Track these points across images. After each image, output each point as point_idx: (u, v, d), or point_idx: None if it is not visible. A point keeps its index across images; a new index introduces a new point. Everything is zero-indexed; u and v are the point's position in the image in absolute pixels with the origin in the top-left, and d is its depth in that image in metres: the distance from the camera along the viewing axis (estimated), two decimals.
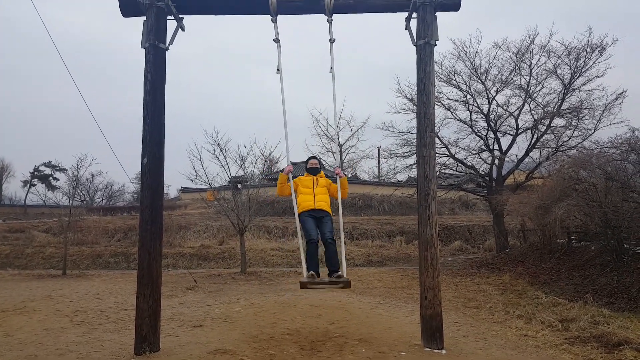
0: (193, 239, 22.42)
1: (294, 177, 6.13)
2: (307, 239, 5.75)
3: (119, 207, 39.41)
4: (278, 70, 6.25)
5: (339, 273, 5.55)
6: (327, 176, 6.35)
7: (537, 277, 12.31)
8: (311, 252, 5.72)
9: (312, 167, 6.28)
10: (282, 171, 6.12)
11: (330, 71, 6.39)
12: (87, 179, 41.61)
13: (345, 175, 6.30)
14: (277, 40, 6.23)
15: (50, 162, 46.68)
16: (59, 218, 18.72)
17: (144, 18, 5.94)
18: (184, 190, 41.13)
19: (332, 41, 6.33)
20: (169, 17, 6.04)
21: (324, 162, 43.26)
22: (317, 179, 6.13)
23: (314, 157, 6.40)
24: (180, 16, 6.10)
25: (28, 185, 45.99)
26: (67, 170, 42.73)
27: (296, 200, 5.97)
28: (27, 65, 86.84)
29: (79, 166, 20.66)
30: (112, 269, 18.37)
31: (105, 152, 45.61)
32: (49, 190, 43.99)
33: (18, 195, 49.87)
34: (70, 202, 19.85)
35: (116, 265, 18.99)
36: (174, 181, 46.73)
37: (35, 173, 46.45)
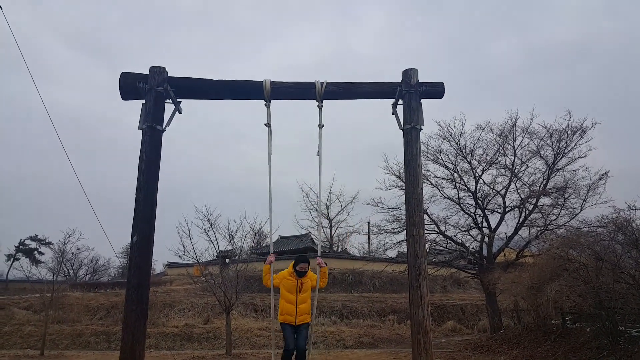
0: (177, 317, 21.56)
1: (279, 271, 6.33)
2: (284, 347, 6.04)
3: (102, 283, 38.21)
4: (270, 151, 6.48)
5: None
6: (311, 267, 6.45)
7: None
8: (286, 358, 6.09)
9: (300, 271, 6.17)
10: (264, 261, 6.31)
11: (318, 154, 6.62)
12: (73, 254, 40.64)
13: (326, 264, 6.42)
14: (268, 125, 6.54)
15: (36, 235, 45.84)
16: (41, 294, 18.06)
17: (143, 101, 6.19)
18: (170, 265, 40.25)
19: (320, 126, 6.66)
20: (167, 100, 6.31)
21: (313, 237, 43.08)
22: (301, 282, 6.12)
23: (304, 261, 6.25)
24: (177, 100, 6.39)
25: (12, 259, 44.74)
26: (53, 244, 41.91)
27: (277, 300, 6.23)
28: (16, 136, 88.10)
29: (66, 241, 20.33)
30: (92, 349, 17.45)
31: (92, 227, 44.84)
32: (33, 264, 42.66)
33: (0, 270, 48.34)
34: (55, 277, 19.26)
35: (96, 345, 18.07)
36: (160, 256, 45.68)
37: (20, 247, 45.40)
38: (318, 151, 6.63)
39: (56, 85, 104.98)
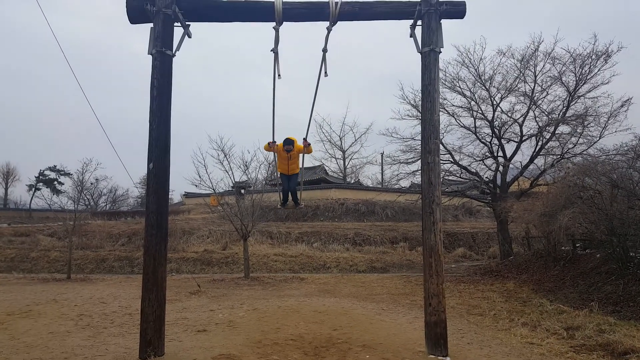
0: (197, 243, 22.45)
1: (276, 143, 8.32)
2: (282, 188, 9.12)
3: (123, 211, 39.56)
4: (279, 76, 6.63)
5: (300, 204, 9.36)
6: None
7: (542, 285, 12.25)
8: (284, 194, 9.10)
9: (287, 150, 8.41)
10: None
11: (325, 75, 6.70)
12: (92, 184, 41.82)
13: (310, 145, 8.39)
14: (275, 51, 6.37)
15: (55, 166, 46.92)
16: (64, 222, 18.78)
17: (151, 25, 5.99)
18: (187, 195, 41.22)
19: (325, 51, 6.51)
20: (175, 24, 6.09)
21: (326, 168, 43.34)
22: (290, 155, 8.47)
23: (289, 143, 8.31)
24: (187, 23, 6.15)
25: (33, 189, 46.20)
26: (72, 174, 43.05)
27: (276, 162, 8.83)
28: (32, 70, 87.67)
29: (84, 170, 20.86)
30: (116, 273, 18.42)
31: (110, 157, 45.83)
32: (53, 194, 44.10)
33: (23, 199, 50.18)
34: (75, 206, 19.94)
35: (120, 269, 19.04)
36: (177, 186, 46.93)
37: (40, 177, 46.65)
38: (325, 74, 6.67)
39: (63, 15, 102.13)
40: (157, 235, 5.74)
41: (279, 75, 6.58)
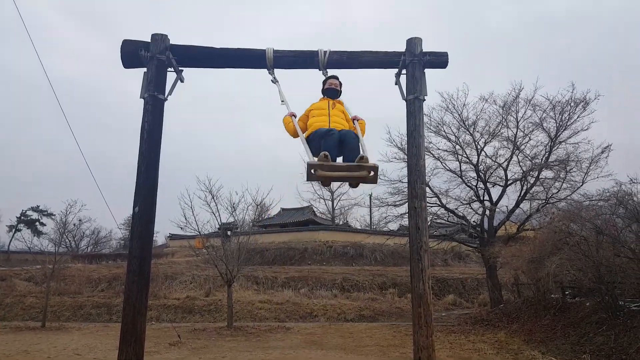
0: (179, 289, 21.76)
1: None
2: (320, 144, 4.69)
3: (104, 254, 38.58)
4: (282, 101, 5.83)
5: (362, 154, 4.33)
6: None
7: (533, 335, 12.01)
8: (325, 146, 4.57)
9: (330, 88, 5.39)
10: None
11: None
12: (75, 225, 40.92)
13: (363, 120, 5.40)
14: (275, 80, 6.12)
15: (38, 206, 45.99)
16: (43, 266, 18.19)
17: (144, 70, 6.04)
18: (172, 237, 40.47)
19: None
20: (169, 69, 6.15)
21: (315, 209, 43.20)
22: (334, 103, 5.25)
23: (334, 77, 5.55)
24: (180, 68, 6.22)
25: (14, 230, 45.00)
26: (55, 215, 42.14)
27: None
28: (19, 109, 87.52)
29: (67, 212, 20.38)
30: (93, 320, 17.66)
31: (94, 197, 44.99)
32: (34, 236, 43.04)
33: (2, 241, 48.71)
34: (56, 248, 19.37)
35: (98, 317, 18.28)
36: (162, 227, 45.97)
37: (22, 218, 45.58)
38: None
39: (53, 54, 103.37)
40: (138, 282, 5.52)
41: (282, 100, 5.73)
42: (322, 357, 9.77)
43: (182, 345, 11.66)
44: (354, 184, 4.95)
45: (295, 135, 5.19)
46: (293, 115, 5.32)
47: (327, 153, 4.22)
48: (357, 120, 5.32)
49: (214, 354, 10.19)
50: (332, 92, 5.54)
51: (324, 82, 5.63)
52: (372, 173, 4.25)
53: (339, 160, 4.75)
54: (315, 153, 4.59)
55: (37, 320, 16.52)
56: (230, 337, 13.48)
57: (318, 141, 4.75)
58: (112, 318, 17.78)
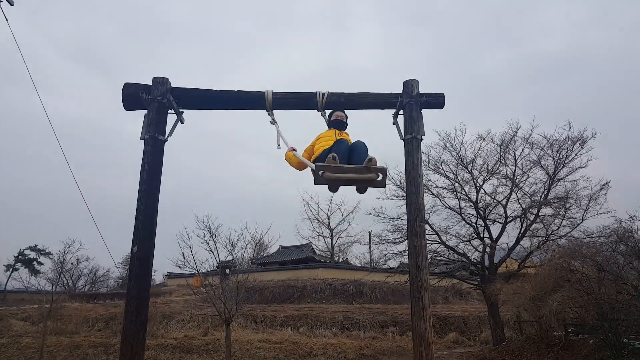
0: (177, 328, 21.40)
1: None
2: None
3: (102, 293, 38.05)
4: (279, 146, 6.08)
5: (371, 157, 4.39)
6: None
7: None
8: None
9: (336, 120, 5.52)
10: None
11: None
12: (72, 264, 40.56)
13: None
14: (274, 122, 6.28)
15: (36, 245, 45.65)
16: (40, 305, 17.96)
17: (145, 112, 6.21)
18: (169, 275, 40.09)
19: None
20: (169, 111, 6.32)
21: (314, 247, 42.95)
22: (341, 133, 5.37)
23: (339, 109, 5.66)
24: (180, 110, 6.40)
25: (11, 269, 44.55)
26: (52, 254, 41.83)
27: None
28: (16, 148, 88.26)
29: (65, 251, 20.29)
30: None
31: (92, 237, 44.93)
32: (32, 275, 42.52)
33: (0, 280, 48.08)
34: (54, 288, 19.20)
35: (94, 357, 17.90)
36: (160, 266, 45.49)
37: (20, 257, 45.21)
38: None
39: (53, 95, 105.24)
40: (136, 322, 5.50)
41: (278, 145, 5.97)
42: None
43: None
44: (361, 189, 4.88)
45: (301, 166, 5.33)
46: (294, 149, 5.45)
47: (335, 155, 4.27)
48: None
49: None
50: (338, 123, 5.67)
51: (330, 115, 5.80)
52: (380, 176, 4.25)
53: None
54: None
55: None
56: None
57: (327, 155, 4.64)
58: (109, 358, 17.44)
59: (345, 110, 6.69)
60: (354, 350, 18.65)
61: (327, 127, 5.97)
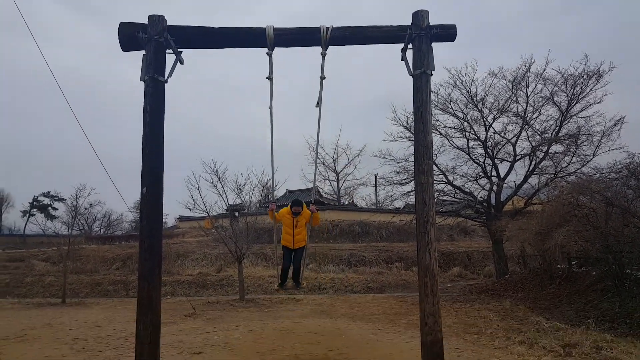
0: (191, 266, 22.26)
1: (283, 206, 7.55)
2: (283, 264, 7.47)
3: (117, 236, 39.21)
4: (271, 107, 6.35)
5: (302, 284, 7.44)
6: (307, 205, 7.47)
7: (538, 303, 12.21)
8: (284, 272, 7.48)
9: (294, 212, 7.35)
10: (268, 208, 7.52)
11: (317, 106, 6.43)
12: (86, 209, 41.56)
13: (318, 210, 7.46)
14: (270, 78, 6.35)
15: (49, 192, 46.72)
16: (58, 247, 18.63)
17: (143, 52, 6.07)
18: (181, 218, 41.00)
19: (322, 78, 6.47)
20: (167, 51, 6.17)
21: (321, 190, 43.42)
22: (297, 220, 7.31)
23: (298, 205, 7.33)
24: (178, 50, 6.24)
25: (27, 215, 45.88)
26: (66, 200, 42.82)
27: (280, 230, 7.58)
28: (25, 99, 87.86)
29: (77, 196, 20.71)
30: (111, 296, 18.18)
31: (104, 182, 45.67)
32: (48, 220, 43.82)
33: (17, 225, 49.74)
34: (69, 231, 19.81)
35: (115, 293, 18.82)
36: (171, 210, 46.57)
37: (35, 203, 46.40)
38: (318, 103, 6.40)
39: (51, 42, 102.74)
40: (150, 260, 5.71)
41: (270, 105, 6.40)
42: (331, 324, 10.04)
43: (197, 316, 12.06)
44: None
45: (271, 220, 7.45)
46: (272, 209, 7.25)
47: (280, 282, 7.44)
48: (313, 212, 7.20)
49: (227, 324, 10.52)
50: (296, 213, 7.31)
51: (291, 207, 7.39)
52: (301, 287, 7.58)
53: None
54: (282, 264, 7.47)
55: (57, 297, 17.06)
56: (243, 308, 13.88)
57: (284, 255, 7.53)
58: (128, 294, 18.29)
59: (352, 47, 6.52)
60: (361, 284, 19.39)
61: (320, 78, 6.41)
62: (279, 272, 7.47)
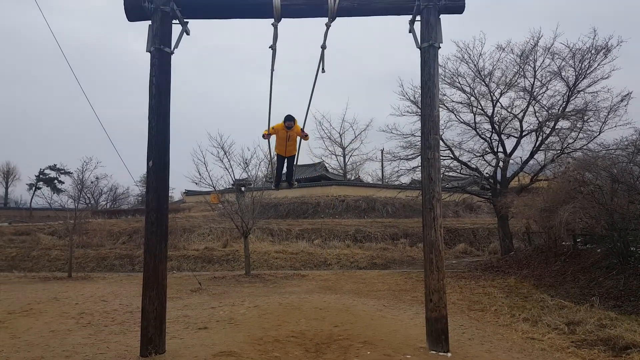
0: (197, 241, 22.42)
1: (277, 123, 8.17)
2: (277, 169, 8.99)
3: (123, 209, 39.47)
4: (272, 71, 6.67)
5: (293, 183, 9.24)
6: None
7: (543, 280, 12.26)
8: (278, 174, 9.00)
9: (288, 126, 8.10)
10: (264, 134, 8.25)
11: (323, 72, 6.65)
12: (92, 182, 41.73)
13: (307, 136, 8.27)
14: (273, 48, 6.32)
15: (55, 165, 46.85)
16: (64, 221, 18.77)
17: (149, 22, 5.98)
18: (187, 193, 41.19)
19: (323, 47, 6.45)
20: (173, 21, 6.07)
21: (327, 165, 43.31)
22: (289, 134, 8.17)
23: (290, 119, 8.03)
24: (185, 20, 6.13)
25: (33, 188, 46.18)
26: (72, 173, 43.01)
27: (274, 141, 8.46)
28: (31, 71, 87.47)
29: (84, 169, 20.73)
30: (117, 271, 18.43)
31: (110, 155, 45.75)
32: (54, 193, 44.05)
33: (24, 198, 50.07)
34: (76, 204, 19.92)
35: (121, 267, 19.05)
36: (177, 184, 46.78)
37: (41, 176, 46.62)
38: (322, 69, 6.62)
39: (60, 15, 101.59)
40: (157, 233, 5.74)
41: (271, 71, 6.63)
42: (336, 300, 10.14)
43: (203, 291, 12.20)
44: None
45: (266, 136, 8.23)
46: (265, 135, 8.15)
47: (276, 183, 9.22)
48: (304, 135, 8.14)
49: (233, 299, 10.64)
50: (289, 127, 8.05)
51: (285, 119, 8.03)
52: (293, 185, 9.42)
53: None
54: (277, 168, 9.06)
55: (63, 271, 17.32)
56: (249, 283, 14.04)
57: (278, 162, 8.95)
58: (134, 268, 18.52)
59: (359, 18, 6.41)
60: (366, 260, 19.54)
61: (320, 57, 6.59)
62: (274, 175, 9.14)
